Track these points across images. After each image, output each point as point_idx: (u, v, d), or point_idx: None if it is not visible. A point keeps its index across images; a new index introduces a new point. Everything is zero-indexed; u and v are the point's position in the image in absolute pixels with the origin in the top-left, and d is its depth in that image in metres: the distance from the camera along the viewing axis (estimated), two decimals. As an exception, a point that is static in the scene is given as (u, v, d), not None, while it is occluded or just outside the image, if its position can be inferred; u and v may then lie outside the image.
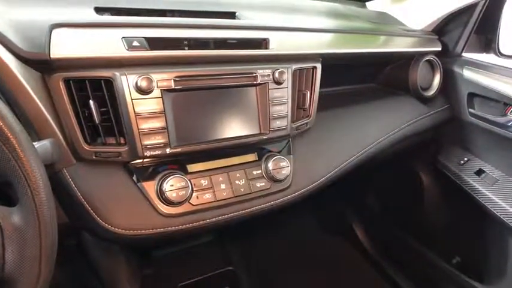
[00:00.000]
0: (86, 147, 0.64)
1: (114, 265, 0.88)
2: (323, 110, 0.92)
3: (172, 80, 0.66)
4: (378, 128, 1.03)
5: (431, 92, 1.16)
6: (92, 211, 0.64)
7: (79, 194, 0.64)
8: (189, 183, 0.68)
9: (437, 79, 1.16)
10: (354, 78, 1.14)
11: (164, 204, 0.67)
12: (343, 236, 1.69)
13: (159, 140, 0.67)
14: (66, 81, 0.62)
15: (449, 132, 1.24)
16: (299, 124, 0.85)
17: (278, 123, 0.78)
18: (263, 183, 0.77)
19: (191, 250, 1.11)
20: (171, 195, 0.66)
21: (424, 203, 1.40)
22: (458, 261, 1.35)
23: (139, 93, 0.64)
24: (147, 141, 0.66)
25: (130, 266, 0.91)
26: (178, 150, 0.69)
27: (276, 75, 0.76)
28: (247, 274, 1.08)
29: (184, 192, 0.67)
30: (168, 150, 0.68)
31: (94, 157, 0.65)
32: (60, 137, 0.62)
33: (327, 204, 1.74)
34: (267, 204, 0.77)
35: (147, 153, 0.66)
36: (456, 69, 1.16)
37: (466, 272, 1.29)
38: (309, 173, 0.85)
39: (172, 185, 0.67)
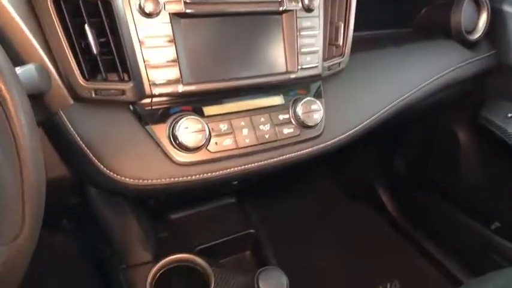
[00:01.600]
0: (84, 83, 0.54)
1: (125, 226, 0.80)
2: (357, 52, 0.80)
3: (182, 2, 0.55)
4: (418, 73, 0.90)
5: (476, 36, 1.02)
6: (94, 159, 0.55)
7: (78, 139, 0.55)
8: (206, 127, 0.58)
9: (483, 20, 1.02)
10: (389, 21, 1.01)
11: (178, 150, 0.57)
12: (366, 201, 1.60)
13: (169, 75, 0.56)
14: (56, 2, 0.51)
15: (495, 82, 1.11)
16: (331, 63, 0.73)
17: (308, 60, 0.67)
18: (291, 130, 0.66)
19: (209, 213, 1.03)
20: (185, 139, 0.56)
21: (461, 163, 1.28)
22: (497, 227, 1.24)
23: (144, 15, 0.53)
24: (155, 76, 0.56)
25: (142, 228, 0.84)
26: (193, 88, 0.58)
27: (306, 0, 0.64)
28: (268, 238, 1.00)
29: (200, 136, 0.57)
30: (180, 88, 0.57)
31: (94, 95, 0.55)
32: (51, 67, 0.52)
33: (349, 168, 1.64)
34: (296, 153, 0.66)
35: (156, 91, 0.56)
36: (506, 8, 1.01)
37: (506, 238, 1.18)
38: (343, 120, 0.74)
39: (187, 128, 0.56)
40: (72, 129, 0.55)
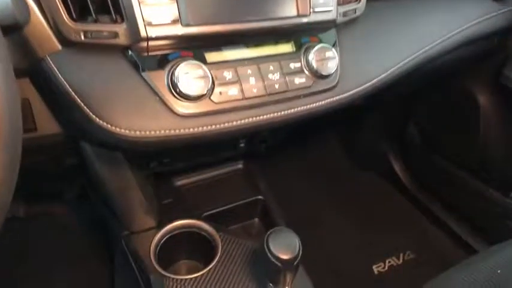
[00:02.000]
0: (71, 24, 0.48)
1: (126, 191, 0.76)
2: (374, 0, 0.73)
3: None
4: (439, 26, 0.83)
5: (504, -15, 0.93)
6: (85, 108, 0.49)
7: (68, 87, 0.50)
8: (209, 74, 0.52)
9: (511, -32, 0.93)
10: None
11: (178, 99, 0.52)
12: (378, 172, 1.54)
13: (166, 14, 0.50)
14: None
15: (522, 38, 1.03)
16: (347, 9, 0.66)
17: (321, 2, 0.60)
18: (303, 80, 0.60)
19: (215, 179, 0.98)
20: (186, 86, 0.51)
21: (480, 129, 1.21)
22: (517, 195, 1.19)
23: None
24: (151, 16, 0.49)
25: (145, 194, 0.79)
26: (193, 30, 0.52)
27: None
28: (276, 205, 0.95)
29: (203, 83, 0.51)
30: (179, 30, 0.51)
31: (83, 38, 0.49)
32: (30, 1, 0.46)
33: (360, 137, 1.58)
34: (308, 106, 0.60)
35: (152, 33, 0.50)
36: (538, -46, 0.92)
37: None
38: (359, 72, 0.67)
39: (187, 73, 0.51)
40: (60, 76, 0.50)
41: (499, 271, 0.81)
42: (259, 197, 0.95)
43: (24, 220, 1.22)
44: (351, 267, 1.23)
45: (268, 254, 0.58)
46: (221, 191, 0.95)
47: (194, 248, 0.83)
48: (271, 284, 0.63)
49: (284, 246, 0.58)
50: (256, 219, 0.98)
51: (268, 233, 0.59)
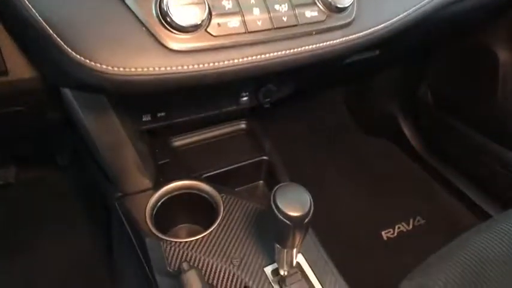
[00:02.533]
0: None
1: (117, 147, 0.68)
2: None
3: None
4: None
5: None
6: (58, 40, 0.41)
7: (38, 17, 0.42)
8: (205, 0, 0.44)
9: None
10: None
11: (170, 31, 0.44)
12: (387, 135, 1.47)
13: None
14: None
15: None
16: None
17: None
18: (315, 13, 0.51)
19: (216, 139, 0.91)
20: (177, 14, 0.43)
21: (499, 88, 1.13)
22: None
23: None
24: None
25: (139, 152, 0.72)
26: None
27: None
28: (282, 166, 0.88)
29: (197, 10, 0.43)
30: None
31: None
32: None
33: (368, 96, 1.50)
34: (322, 44, 0.52)
35: None
36: None
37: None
38: (378, 8, 0.59)
39: (179, -1, 0.43)
40: (29, 5, 0.42)
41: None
42: (264, 157, 0.88)
43: (18, 187, 1.17)
44: (359, 233, 1.18)
45: (276, 211, 0.51)
46: (223, 152, 0.88)
47: (194, 211, 0.77)
48: (278, 246, 0.57)
49: (293, 202, 0.51)
50: (261, 182, 0.92)
51: (276, 188, 0.53)
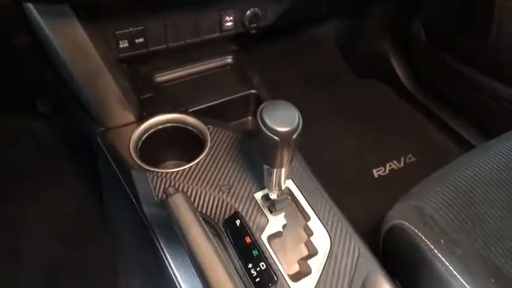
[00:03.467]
0: None
1: (94, 77, 0.64)
2: None
3: None
4: None
5: None
6: None
7: None
8: None
9: None
10: None
11: None
12: (377, 72, 1.43)
13: None
14: None
15: None
16: None
17: None
18: None
19: (202, 74, 0.87)
20: None
21: (494, 21, 1.08)
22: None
23: None
24: None
25: (120, 86, 0.68)
26: None
27: None
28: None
29: None
30: None
31: None
32: None
33: (359, 34, 1.44)
34: None
35: None
36: None
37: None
38: None
39: None
40: None
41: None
42: (253, 91, 0.85)
43: (3, 140, 1.13)
44: (350, 171, 1.17)
45: (263, 127, 0.49)
46: (209, 86, 0.84)
47: (181, 147, 0.75)
48: (266, 166, 0.55)
49: (281, 118, 0.49)
50: (250, 118, 0.89)
51: (263, 104, 0.50)
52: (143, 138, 0.71)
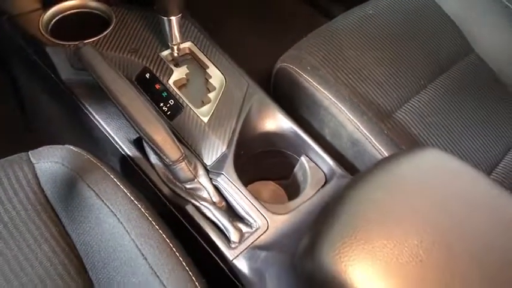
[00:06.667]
0: None
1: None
2: None
3: None
4: None
5: None
6: None
7: None
8: None
9: None
10: None
11: None
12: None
13: None
14: None
15: None
16: None
17: None
18: None
19: None
20: None
21: None
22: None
23: None
24: None
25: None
26: None
27: None
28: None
29: None
30: None
31: None
32: None
33: None
34: None
35: None
36: None
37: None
38: None
39: None
40: None
41: (370, 11, 0.94)
42: None
43: None
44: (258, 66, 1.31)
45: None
46: None
47: (89, 29, 0.80)
48: (161, 17, 0.66)
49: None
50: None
51: None
52: (52, 22, 0.77)
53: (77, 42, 0.72)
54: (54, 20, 0.78)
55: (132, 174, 0.67)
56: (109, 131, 0.69)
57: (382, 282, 0.35)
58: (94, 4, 0.80)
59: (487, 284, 0.36)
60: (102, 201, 0.52)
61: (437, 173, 0.41)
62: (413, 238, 0.37)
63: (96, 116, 0.71)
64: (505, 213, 0.43)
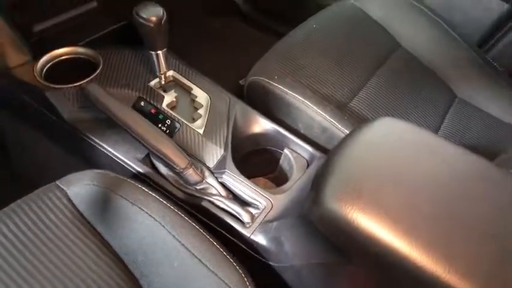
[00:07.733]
0: None
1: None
2: None
3: None
4: None
5: None
6: None
7: None
8: None
9: None
10: None
11: None
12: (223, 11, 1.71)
13: None
14: None
15: None
16: None
17: None
18: None
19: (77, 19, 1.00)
20: None
21: None
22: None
23: None
24: None
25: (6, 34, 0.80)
26: None
27: None
28: None
29: None
30: None
31: None
32: None
33: None
34: None
35: None
36: None
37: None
38: None
39: None
40: None
41: (314, 25, 1.12)
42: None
43: None
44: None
45: (139, 20, 0.72)
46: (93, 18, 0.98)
47: (80, 74, 0.90)
48: (150, 52, 0.79)
49: (151, 12, 0.73)
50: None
51: (136, 7, 0.73)
52: (45, 69, 0.86)
53: (73, 85, 0.82)
54: (46, 67, 0.87)
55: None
56: (118, 155, 0.78)
57: (376, 215, 0.49)
58: (82, 50, 0.90)
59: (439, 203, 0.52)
60: (138, 207, 0.62)
61: (393, 131, 0.58)
62: (389, 176, 0.52)
63: (104, 145, 0.80)
64: (444, 154, 0.59)
